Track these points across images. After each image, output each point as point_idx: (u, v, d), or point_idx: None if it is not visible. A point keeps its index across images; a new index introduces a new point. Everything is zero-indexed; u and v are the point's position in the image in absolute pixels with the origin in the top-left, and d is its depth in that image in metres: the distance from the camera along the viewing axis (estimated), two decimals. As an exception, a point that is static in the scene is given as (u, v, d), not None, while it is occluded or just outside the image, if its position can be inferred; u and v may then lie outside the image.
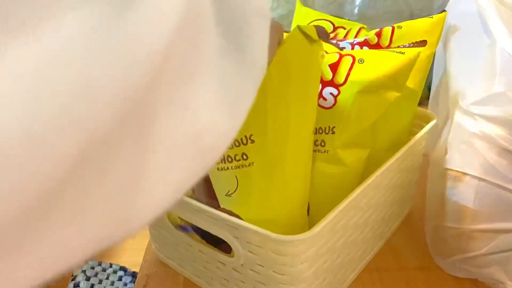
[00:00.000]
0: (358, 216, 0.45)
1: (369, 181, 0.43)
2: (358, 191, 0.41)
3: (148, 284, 0.51)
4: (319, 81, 0.40)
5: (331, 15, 0.59)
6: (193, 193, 0.43)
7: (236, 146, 0.37)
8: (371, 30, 0.56)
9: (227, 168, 0.38)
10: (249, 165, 0.38)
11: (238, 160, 0.38)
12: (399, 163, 0.50)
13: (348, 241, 0.45)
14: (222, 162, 0.38)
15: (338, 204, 0.39)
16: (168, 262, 0.54)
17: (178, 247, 0.49)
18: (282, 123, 0.37)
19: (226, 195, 0.40)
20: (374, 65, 0.43)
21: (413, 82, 0.50)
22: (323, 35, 0.36)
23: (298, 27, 0.34)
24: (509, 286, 0.47)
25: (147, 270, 0.54)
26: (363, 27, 0.56)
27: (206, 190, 0.42)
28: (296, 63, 0.36)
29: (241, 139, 0.37)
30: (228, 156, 0.38)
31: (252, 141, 0.37)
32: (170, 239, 0.50)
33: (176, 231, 0.47)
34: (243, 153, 0.37)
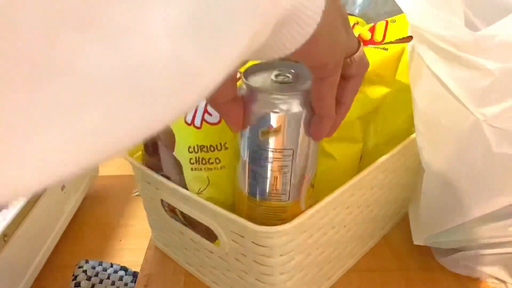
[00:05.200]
0: (345, 213, 0.47)
1: (355, 179, 0.45)
2: (343, 188, 0.43)
3: (149, 284, 0.53)
4: None
5: None
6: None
7: (211, 151, 0.42)
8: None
9: (200, 169, 0.43)
10: (221, 168, 0.43)
11: (212, 163, 0.43)
12: (392, 163, 0.51)
13: (334, 238, 0.47)
14: (196, 163, 0.43)
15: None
16: (164, 249, 0.57)
17: (173, 235, 0.53)
18: None
19: (197, 192, 0.44)
20: None
21: (407, 77, 0.52)
22: None
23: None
24: (510, 285, 0.49)
25: (148, 270, 0.55)
26: (357, 22, 0.57)
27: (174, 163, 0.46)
28: None
29: (216, 145, 0.42)
30: (202, 158, 0.42)
31: (226, 148, 0.42)
32: (165, 226, 0.53)
33: (170, 218, 0.50)
34: (217, 158, 0.42)
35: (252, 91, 0.35)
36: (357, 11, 0.67)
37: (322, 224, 0.44)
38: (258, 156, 0.37)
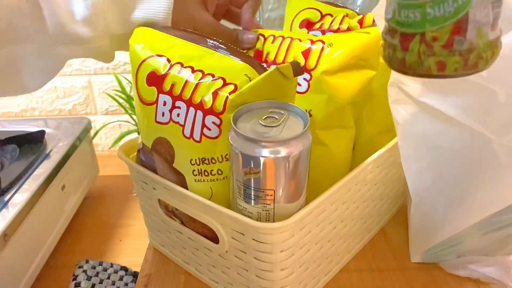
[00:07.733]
0: (342, 209, 0.48)
1: (351, 174, 0.46)
2: (340, 183, 0.44)
3: (149, 284, 0.54)
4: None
5: (322, 1, 0.62)
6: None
7: (212, 163, 0.43)
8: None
9: (203, 180, 0.44)
10: (223, 178, 0.44)
11: (214, 175, 0.44)
12: (386, 158, 0.52)
13: (331, 233, 0.48)
14: (199, 175, 0.44)
15: (320, 194, 0.42)
16: (161, 249, 0.58)
17: (170, 234, 0.53)
18: None
19: None
20: (342, 47, 0.46)
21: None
22: (297, 72, 0.41)
23: (277, 67, 0.40)
24: (510, 286, 0.49)
25: (148, 270, 0.56)
26: (346, 14, 0.58)
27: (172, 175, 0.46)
28: (271, 93, 0.41)
29: (217, 157, 0.43)
30: (205, 170, 0.44)
31: (227, 159, 0.43)
32: (162, 226, 0.54)
33: (167, 218, 0.50)
34: (219, 169, 0.43)
35: (237, 132, 0.37)
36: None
37: (320, 219, 0.44)
38: (242, 191, 0.40)
